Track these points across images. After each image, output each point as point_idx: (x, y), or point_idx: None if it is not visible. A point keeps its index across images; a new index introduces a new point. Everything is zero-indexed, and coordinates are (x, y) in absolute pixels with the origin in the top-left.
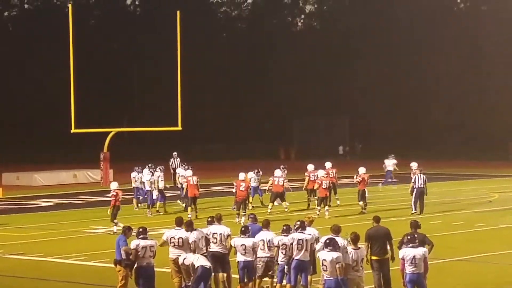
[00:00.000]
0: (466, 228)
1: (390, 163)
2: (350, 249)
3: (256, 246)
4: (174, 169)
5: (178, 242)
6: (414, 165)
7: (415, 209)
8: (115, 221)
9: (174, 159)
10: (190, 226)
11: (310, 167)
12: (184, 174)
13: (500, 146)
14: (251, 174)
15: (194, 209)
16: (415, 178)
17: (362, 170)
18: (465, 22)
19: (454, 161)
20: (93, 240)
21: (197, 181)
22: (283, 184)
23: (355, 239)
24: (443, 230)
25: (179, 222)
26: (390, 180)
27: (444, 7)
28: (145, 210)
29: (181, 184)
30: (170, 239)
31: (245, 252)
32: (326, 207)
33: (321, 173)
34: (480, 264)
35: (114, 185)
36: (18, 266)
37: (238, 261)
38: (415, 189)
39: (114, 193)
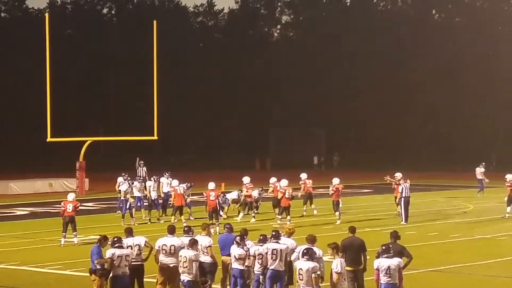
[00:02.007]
0: (440, 239)
1: (479, 172)
2: (338, 259)
3: (244, 256)
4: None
5: (170, 249)
6: (398, 175)
7: (406, 221)
8: (64, 234)
9: (140, 168)
10: (128, 233)
11: (272, 179)
12: (172, 184)
13: (479, 157)
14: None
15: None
16: (402, 188)
17: (336, 180)
18: (440, 33)
19: (429, 172)
20: (68, 249)
21: (184, 190)
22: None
23: (336, 247)
24: (418, 241)
25: (171, 230)
26: (481, 188)
27: (420, 19)
28: (154, 218)
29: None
30: (162, 246)
31: (235, 260)
32: (288, 217)
33: (284, 183)
34: (455, 275)
35: (69, 197)
36: None
37: (232, 269)
38: (402, 199)
39: (63, 203)
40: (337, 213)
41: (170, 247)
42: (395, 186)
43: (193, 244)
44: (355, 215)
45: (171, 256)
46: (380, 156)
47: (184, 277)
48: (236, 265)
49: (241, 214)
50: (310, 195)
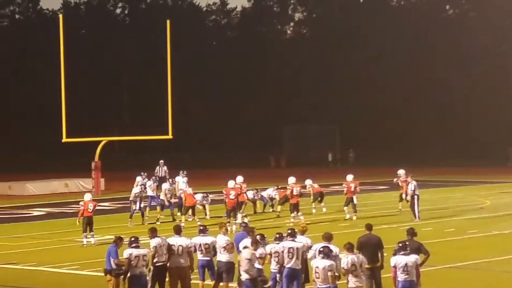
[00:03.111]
0: (458, 235)
1: None
2: (350, 256)
3: (264, 255)
4: (160, 177)
5: (178, 250)
6: (402, 172)
7: (418, 218)
8: (85, 234)
9: (160, 167)
10: (154, 232)
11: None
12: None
13: (495, 152)
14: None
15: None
16: (414, 186)
17: (349, 177)
18: (454, 28)
19: (445, 168)
20: (85, 249)
21: (200, 201)
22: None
23: (350, 247)
24: (434, 237)
25: (177, 230)
26: None
27: (433, 14)
28: (159, 217)
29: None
30: (171, 246)
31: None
32: (298, 213)
33: (291, 180)
34: (472, 271)
35: (86, 197)
36: (11, 275)
37: None
38: (416, 196)
39: (82, 203)
40: (345, 208)
41: (178, 247)
42: (402, 184)
43: (254, 243)
44: (372, 212)
45: (179, 257)
46: (395, 152)
47: (243, 276)
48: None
49: (239, 216)
50: (321, 194)
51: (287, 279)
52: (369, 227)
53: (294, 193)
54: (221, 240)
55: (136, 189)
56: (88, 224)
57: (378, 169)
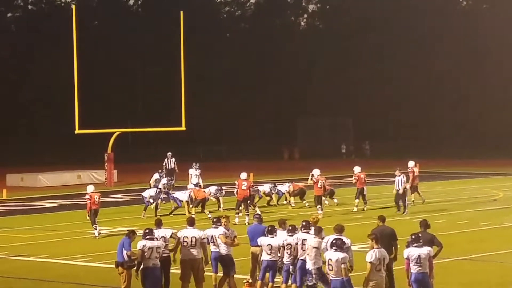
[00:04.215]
0: (470, 227)
1: None
2: (374, 249)
3: (281, 247)
4: (168, 169)
5: (191, 241)
6: (412, 164)
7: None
8: (95, 225)
9: (168, 159)
10: (159, 225)
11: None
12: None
13: (508, 144)
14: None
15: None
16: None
17: (357, 169)
18: (467, 20)
19: (459, 159)
20: (97, 241)
21: (214, 193)
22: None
23: (376, 239)
24: (447, 229)
25: (191, 222)
26: None
27: (447, 6)
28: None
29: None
30: (183, 238)
31: (270, 252)
32: (318, 206)
33: (316, 172)
34: (485, 263)
35: (89, 189)
36: (23, 267)
37: (262, 260)
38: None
39: (88, 197)
40: (357, 200)
41: (191, 238)
42: (410, 175)
43: (319, 232)
44: (385, 204)
45: (193, 248)
46: (409, 144)
47: (310, 266)
48: (270, 257)
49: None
50: (332, 191)
51: (300, 271)
52: (382, 219)
53: (319, 185)
54: (220, 232)
55: (152, 192)
56: (95, 216)
57: (393, 161)
